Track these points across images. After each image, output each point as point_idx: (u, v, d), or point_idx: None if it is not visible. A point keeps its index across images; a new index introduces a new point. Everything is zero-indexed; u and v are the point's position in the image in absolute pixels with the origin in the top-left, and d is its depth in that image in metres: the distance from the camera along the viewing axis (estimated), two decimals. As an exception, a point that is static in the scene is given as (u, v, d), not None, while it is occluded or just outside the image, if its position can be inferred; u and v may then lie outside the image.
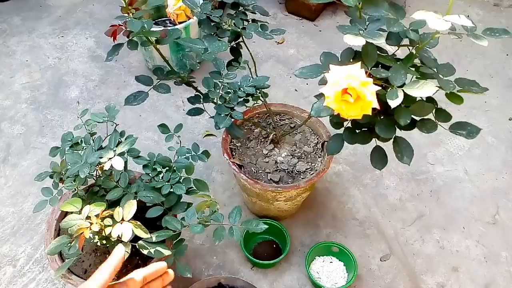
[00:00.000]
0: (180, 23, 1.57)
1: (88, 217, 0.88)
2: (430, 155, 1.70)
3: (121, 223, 0.88)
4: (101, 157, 0.96)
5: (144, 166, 1.09)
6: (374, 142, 0.97)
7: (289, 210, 1.42)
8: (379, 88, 0.76)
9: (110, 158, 0.96)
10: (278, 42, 2.14)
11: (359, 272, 1.35)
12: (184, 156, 1.13)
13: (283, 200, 1.31)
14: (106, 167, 0.95)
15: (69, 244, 0.91)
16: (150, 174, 1.08)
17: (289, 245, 1.36)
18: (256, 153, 1.34)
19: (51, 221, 1.18)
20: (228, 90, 1.15)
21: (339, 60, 0.91)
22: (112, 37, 0.98)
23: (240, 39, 1.19)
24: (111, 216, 0.90)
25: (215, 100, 1.15)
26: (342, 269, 1.35)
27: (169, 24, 1.97)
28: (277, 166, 1.31)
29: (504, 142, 1.75)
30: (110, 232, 0.87)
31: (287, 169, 1.30)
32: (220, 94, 1.15)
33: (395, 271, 1.39)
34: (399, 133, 0.91)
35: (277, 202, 1.31)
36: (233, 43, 1.18)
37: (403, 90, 0.77)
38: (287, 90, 1.92)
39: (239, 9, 1.16)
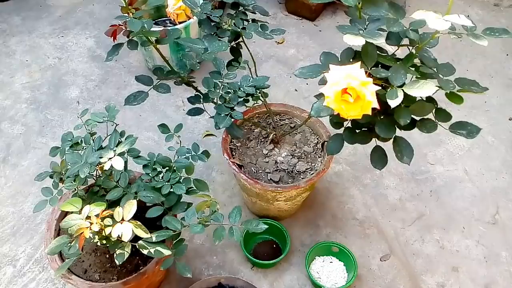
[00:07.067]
0: (180, 23, 1.56)
1: (88, 217, 0.88)
2: (430, 155, 1.70)
3: (121, 223, 0.88)
4: (101, 157, 0.96)
5: (144, 166, 1.10)
6: (374, 142, 0.97)
7: (289, 210, 1.42)
8: (379, 88, 0.76)
9: (110, 158, 0.96)
10: (278, 42, 2.14)
11: (359, 272, 1.35)
12: (184, 156, 1.13)
13: (283, 200, 1.31)
14: (106, 167, 0.95)
15: (69, 244, 0.91)
16: (150, 174, 1.08)
17: (289, 245, 1.36)
18: (256, 153, 1.34)
19: (51, 221, 1.18)
20: (228, 90, 1.15)
21: (339, 60, 0.91)
22: (112, 37, 0.98)
23: (240, 39, 1.19)
24: (111, 216, 0.90)
25: (215, 100, 1.15)
26: (342, 269, 1.35)
27: (169, 24, 1.97)
28: (277, 166, 1.31)
29: (504, 142, 1.75)
30: (110, 232, 0.87)
31: (287, 169, 1.30)
32: (220, 94, 1.15)
33: (395, 271, 1.39)
34: (399, 133, 0.91)
35: (277, 202, 1.31)
36: (233, 43, 1.18)
37: (403, 90, 0.77)
38: (287, 90, 1.92)
39: (239, 9, 1.16)
